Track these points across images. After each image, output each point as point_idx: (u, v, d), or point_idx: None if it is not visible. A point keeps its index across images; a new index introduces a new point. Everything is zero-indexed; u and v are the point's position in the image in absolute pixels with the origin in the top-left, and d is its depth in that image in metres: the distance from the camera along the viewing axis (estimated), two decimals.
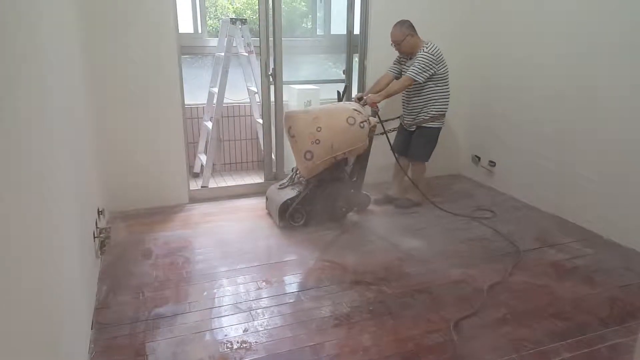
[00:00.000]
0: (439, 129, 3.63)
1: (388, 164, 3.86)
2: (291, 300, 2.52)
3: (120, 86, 3.39)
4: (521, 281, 2.73)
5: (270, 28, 3.79)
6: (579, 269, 2.87)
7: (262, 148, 4.34)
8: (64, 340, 1.59)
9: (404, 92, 3.57)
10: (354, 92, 4.10)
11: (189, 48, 4.39)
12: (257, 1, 3.79)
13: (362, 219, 3.63)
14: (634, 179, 3.04)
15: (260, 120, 4.21)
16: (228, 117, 4.56)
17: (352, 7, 4.14)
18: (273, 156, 4.21)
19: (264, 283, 2.67)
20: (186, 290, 2.58)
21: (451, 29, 4.21)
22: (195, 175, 4.40)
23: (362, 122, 3.24)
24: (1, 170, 1.08)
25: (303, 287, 2.65)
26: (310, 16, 5.10)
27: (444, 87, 3.53)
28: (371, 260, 2.95)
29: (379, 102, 3.43)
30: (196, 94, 4.48)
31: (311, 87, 4.41)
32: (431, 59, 3.39)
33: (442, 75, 3.49)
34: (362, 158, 3.50)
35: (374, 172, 3.80)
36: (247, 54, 4.19)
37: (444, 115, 3.60)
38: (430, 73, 3.42)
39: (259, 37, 3.87)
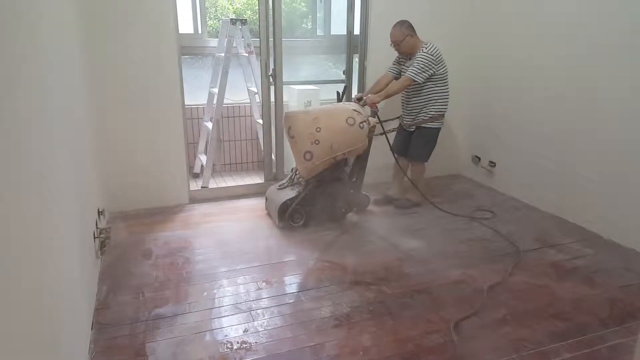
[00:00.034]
0: (439, 129, 3.63)
1: (388, 164, 3.86)
2: (291, 301, 2.52)
3: (120, 86, 3.39)
4: (521, 281, 2.73)
5: (271, 28, 3.79)
6: (579, 270, 2.87)
7: (262, 148, 4.34)
8: (64, 341, 1.59)
9: (403, 92, 3.58)
10: (354, 93, 4.11)
11: (189, 48, 4.40)
12: (257, 1, 3.79)
13: (362, 219, 3.63)
14: (634, 179, 3.04)
15: (260, 121, 4.21)
16: (228, 117, 4.56)
17: (352, 7, 4.14)
18: (273, 156, 4.21)
19: (264, 283, 2.67)
20: (186, 290, 2.58)
21: (451, 30, 4.21)
22: (195, 176, 4.40)
23: (361, 122, 3.24)
24: (1, 170, 1.08)
25: (303, 288, 2.65)
26: (310, 16, 5.10)
27: (444, 87, 3.53)
28: (371, 260, 2.95)
29: (378, 102, 3.43)
30: (196, 94, 4.47)
31: (311, 88, 4.41)
32: (430, 59, 3.39)
33: (442, 76, 3.49)
34: (362, 158, 3.50)
35: (373, 172, 3.80)
36: (247, 55, 4.19)
37: (443, 115, 3.60)
38: (430, 73, 3.42)
39: (259, 38, 3.87)
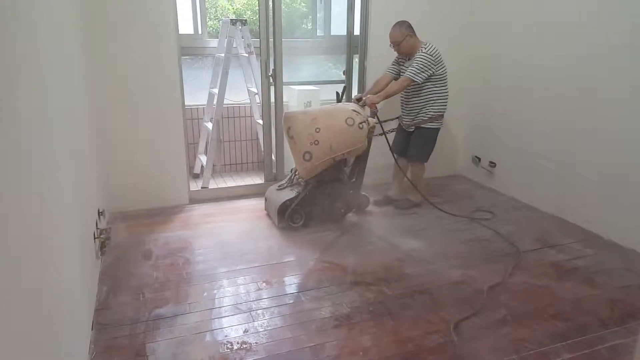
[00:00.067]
0: (438, 129, 3.63)
1: (387, 164, 3.86)
2: (291, 301, 2.51)
3: (120, 86, 3.39)
4: (521, 282, 2.73)
5: (271, 29, 3.79)
6: (579, 270, 2.87)
7: (262, 149, 4.34)
8: (64, 341, 1.59)
9: (402, 92, 3.58)
10: (354, 93, 4.11)
11: (189, 49, 4.40)
12: (257, 2, 3.79)
13: (362, 219, 3.63)
14: (634, 179, 3.04)
15: (261, 121, 4.21)
16: (228, 118, 4.56)
17: (352, 8, 4.14)
18: (273, 157, 4.21)
19: (264, 284, 2.67)
20: (186, 291, 2.58)
21: (451, 30, 4.21)
22: (196, 176, 4.40)
23: (361, 123, 3.24)
24: (1, 170, 1.08)
25: (303, 288, 2.65)
26: (310, 17, 5.10)
27: (443, 87, 3.53)
28: (371, 261, 2.95)
29: (378, 102, 3.43)
30: (196, 94, 4.48)
31: (311, 88, 4.41)
32: (430, 60, 3.39)
33: (441, 76, 3.49)
34: (361, 159, 3.50)
35: (373, 173, 3.80)
36: (247, 55, 4.19)
37: (442, 115, 3.60)
38: (429, 73, 3.42)
39: (259, 38, 3.87)
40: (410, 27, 3.44)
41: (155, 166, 3.63)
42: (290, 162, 3.67)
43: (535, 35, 3.70)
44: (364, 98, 3.52)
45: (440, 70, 3.47)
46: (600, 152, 3.26)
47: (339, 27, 4.75)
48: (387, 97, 3.43)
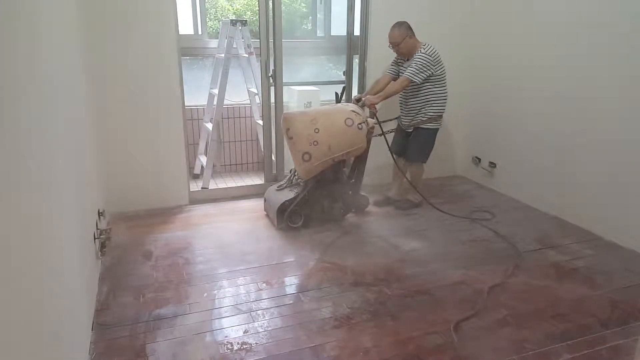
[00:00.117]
0: (437, 130, 3.63)
1: (387, 165, 3.86)
2: (291, 302, 2.51)
3: (120, 86, 3.39)
4: (522, 282, 2.73)
5: (271, 29, 3.79)
6: (579, 270, 2.87)
7: (262, 149, 4.34)
8: (64, 341, 1.59)
9: (401, 93, 3.58)
10: (354, 94, 4.10)
11: (189, 49, 4.40)
12: (257, 2, 3.79)
13: (362, 220, 3.63)
14: (634, 179, 3.04)
15: (261, 122, 4.20)
16: (228, 118, 4.56)
17: (352, 8, 4.14)
18: (273, 157, 4.21)
19: (264, 284, 2.67)
20: (186, 291, 2.58)
21: (451, 30, 4.22)
22: (196, 177, 4.40)
23: (360, 123, 3.23)
24: (1, 170, 1.08)
25: (303, 289, 2.65)
26: (310, 17, 5.11)
27: (442, 88, 3.53)
28: (371, 261, 2.95)
29: (377, 103, 3.43)
30: (196, 95, 4.48)
31: (311, 89, 4.41)
32: (429, 60, 3.39)
33: (440, 77, 3.49)
34: (361, 159, 3.50)
35: (373, 173, 3.80)
36: (247, 55, 4.19)
37: (441, 116, 3.60)
38: (428, 74, 3.42)
39: (259, 39, 3.88)
40: (409, 27, 3.44)
41: (155, 166, 3.63)
42: (290, 162, 3.67)
43: (535, 35, 3.70)
44: (363, 99, 3.52)
45: (439, 71, 3.47)
46: (600, 152, 3.26)
47: (339, 28, 4.75)
48: (386, 97, 3.43)
